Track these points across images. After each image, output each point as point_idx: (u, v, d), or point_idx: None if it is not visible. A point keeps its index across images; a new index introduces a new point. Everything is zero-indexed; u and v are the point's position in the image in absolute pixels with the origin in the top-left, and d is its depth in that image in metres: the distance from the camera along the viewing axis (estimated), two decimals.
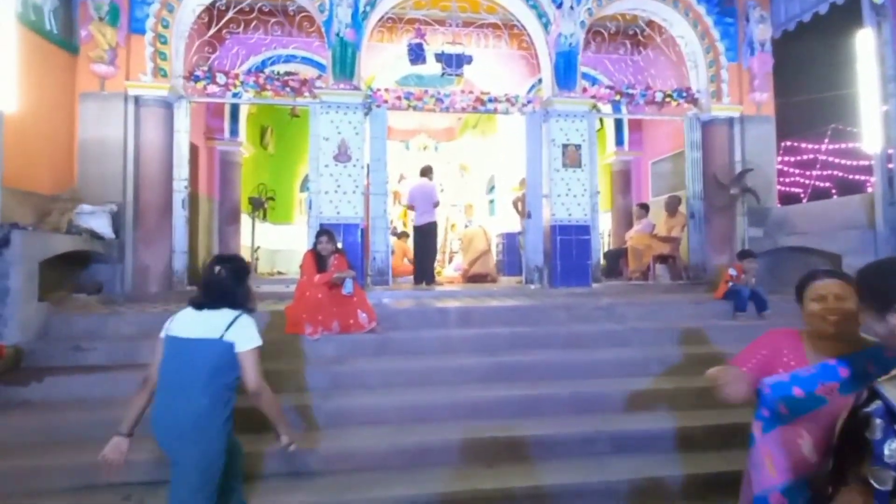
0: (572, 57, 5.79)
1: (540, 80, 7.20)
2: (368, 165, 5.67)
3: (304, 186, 10.47)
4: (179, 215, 5.43)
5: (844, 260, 4.65)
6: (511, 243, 8.20)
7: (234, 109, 7.62)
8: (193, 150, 7.08)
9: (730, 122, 6.13)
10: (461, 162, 11.88)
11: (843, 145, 6.14)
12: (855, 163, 5.94)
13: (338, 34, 5.35)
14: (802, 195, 6.41)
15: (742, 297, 4.60)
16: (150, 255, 5.18)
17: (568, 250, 5.68)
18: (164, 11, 5.24)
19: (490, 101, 5.82)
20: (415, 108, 5.74)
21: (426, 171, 6.62)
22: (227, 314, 1.99)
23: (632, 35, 6.47)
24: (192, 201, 7.06)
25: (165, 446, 1.93)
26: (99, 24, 5.04)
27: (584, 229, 5.74)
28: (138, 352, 3.49)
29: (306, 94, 5.54)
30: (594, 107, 6.23)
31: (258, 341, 2.00)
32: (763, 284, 4.73)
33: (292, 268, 9.62)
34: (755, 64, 6.05)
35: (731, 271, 4.72)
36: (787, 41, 6.09)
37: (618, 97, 6.04)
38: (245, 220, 8.04)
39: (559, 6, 5.76)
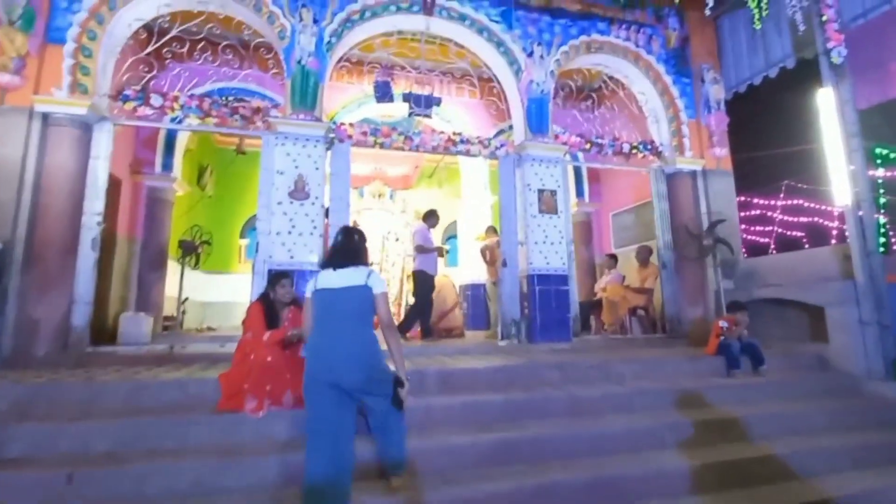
0: (544, 104, 5.68)
1: (503, 130, 7.13)
2: (328, 208, 5.02)
3: (247, 232, 9.51)
4: (87, 256, 4.40)
5: (828, 311, 4.57)
6: (476, 295, 7.70)
7: (170, 140, 6.75)
8: (114, 182, 6.09)
9: (693, 174, 6.22)
10: (417, 210, 11.50)
11: (795, 201, 6.39)
12: (808, 218, 6.15)
13: (299, 62, 4.86)
14: (765, 248, 6.54)
15: (733, 352, 4.33)
16: (42, 306, 4.08)
17: (547, 302, 5.24)
18: (92, 22, 4.51)
19: (462, 142, 5.50)
20: (382, 146, 5.27)
21: (426, 216, 6.20)
22: (362, 269, 2.55)
23: (596, 89, 6.58)
24: (107, 242, 6.00)
25: (340, 376, 2.36)
26: (8, 28, 4.21)
27: (562, 279, 5.37)
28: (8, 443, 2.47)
29: (259, 123, 4.91)
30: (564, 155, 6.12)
31: (386, 287, 2.63)
32: (754, 338, 4.50)
33: (227, 322, 8.43)
34: (713, 121, 6.28)
35: (722, 324, 4.47)
36: (741, 100, 6.41)
37: (588, 146, 5.97)
38: (173, 267, 6.93)
39: (530, 55, 5.71)
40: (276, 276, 3.37)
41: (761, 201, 6.74)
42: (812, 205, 6.14)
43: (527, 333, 5.27)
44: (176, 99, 4.71)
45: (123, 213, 6.31)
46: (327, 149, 5.08)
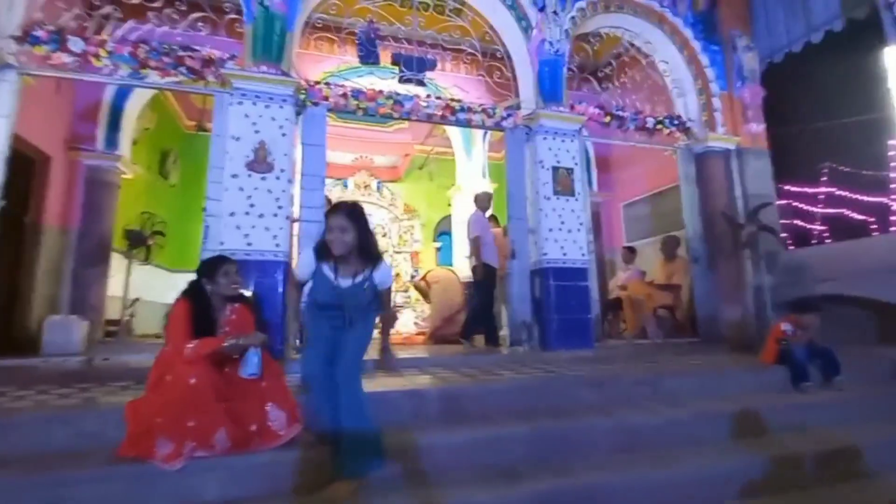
0: (558, 67, 4.81)
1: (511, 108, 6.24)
2: (300, 183, 4.06)
3: None
4: None
5: None
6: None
7: (115, 112, 5.71)
8: (42, 159, 5.07)
9: (726, 154, 5.42)
10: (406, 204, 10.56)
11: (841, 183, 5.63)
12: (869, 197, 5.38)
13: (262, 3, 3.90)
14: (808, 237, 5.76)
15: (800, 362, 3.49)
16: None
17: (564, 300, 4.35)
18: None
19: (462, 110, 4.59)
20: (365, 112, 4.33)
21: (478, 199, 5.19)
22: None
23: (615, 56, 5.75)
24: (32, 230, 4.96)
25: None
26: None
27: (581, 273, 4.49)
28: None
29: (210, 78, 3.93)
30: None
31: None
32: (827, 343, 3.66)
33: None
34: (746, 94, 5.49)
35: (786, 327, 3.62)
36: (775, 71, 5.63)
37: (607, 119, 5.10)
38: (120, 262, 5.88)
39: (542, 9, 4.84)
40: (215, 262, 2.40)
41: (801, 185, 5.97)
42: (863, 187, 5.37)
43: (540, 339, 4.38)
44: (102, 44, 3.70)
45: (54, 197, 5.25)
46: (298, 113, 4.13)
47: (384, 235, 10.11)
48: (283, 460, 2.06)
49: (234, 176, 3.68)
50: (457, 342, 5.52)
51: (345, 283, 2.14)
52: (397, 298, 9.40)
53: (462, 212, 7.44)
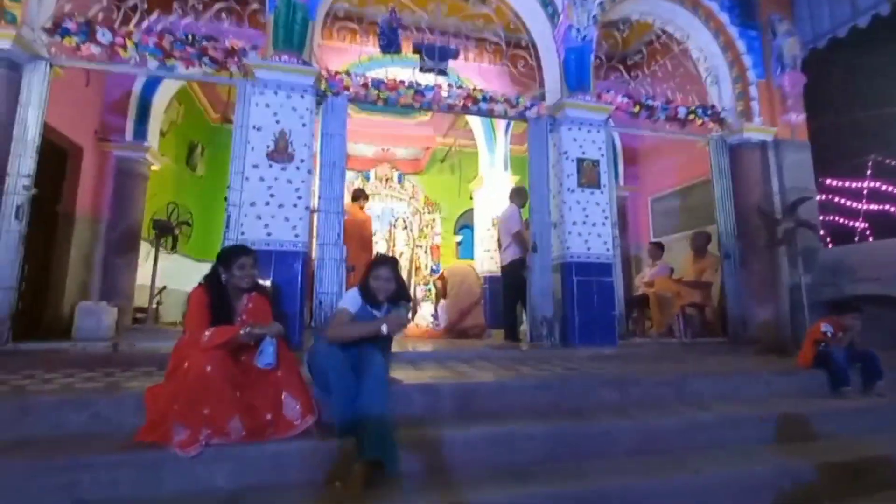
0: (585, 54, 4.64)
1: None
2: (319, 174, 4.05)
3: None
4: (9, 230, 3.47)
5: None
6: (494, 288, 6.69)
7: (144, 103, 5.83)
8: (74, 151, 5.22)
9: (762, 145, 5.15)
10: (428, 196, 10.51)
11: (884, 181, 5.28)
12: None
13: None
14: (848, 235, 5.44)
15: (840, 364, 3.29)
16: None
17: (588, 297, 4.23)
18: None
19: (484, 99, 4.49)
20: (386, 102, 4.28)
21: (514, 195, 5.15)
22: None
23: (647, 43, 5.52)
24: (65, 220, 5.12)
25: None
26: None
27: (606, 268, 4.35)
28: None
29: (233, 68, 3.95)
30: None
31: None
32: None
33: None
34: (786, 82, 5.19)
35: (826, 328, 3.42)
36: (818, 58, 5.31)
37: (636, 109, 4.91)
38: (147, 250, 6.03)
39: None
40: (232, 252, 2.40)
41: (843, 179, 5.64)
42: None
43: (561, 335, 4.27)
44: (129, 35, 3.76)
45: (86, 188, 5.41)
46: (318, 103, 4.11)
47: (405, 228, 10.12)
48: (292, 451, 2.04)
49: (255, 166, 3.69)
50: (475, 336, 5.47)
51: (378, 314, 2.47)
52: (417, 292, 9.41)
53: (484, 205, 7.35)
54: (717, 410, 2.75)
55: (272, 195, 3.67)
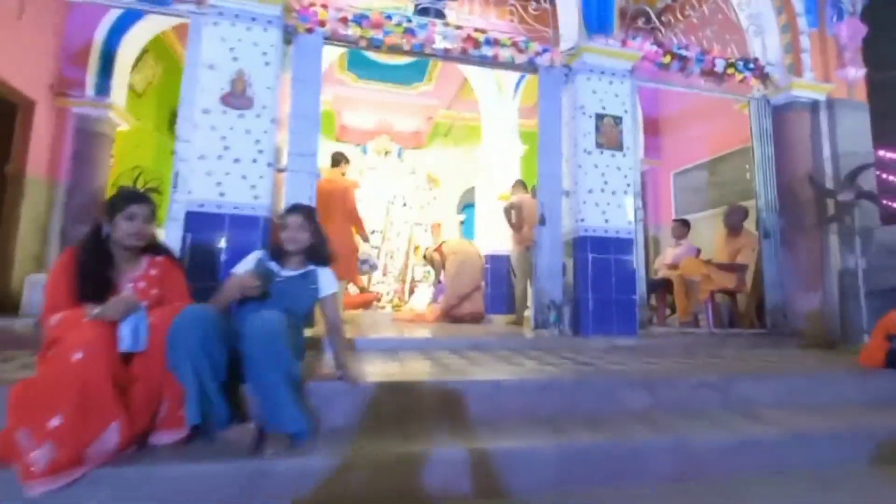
0: None
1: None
2: (288, 127, 3.40)
3: None
4: None
5: None
6: (497, 269, 6.06)
7: (106, 56, 5.20)
8: (23, 104, 4.62)
9: (813, 106, 4.40)
10: (429, 173, 9.84)
11: None
12: None
13: None
14: None
15: None
16: None
17: (605, 276, 3.58)
18: None
19: (487, 42, 3.78)
20: (370, 43, 3.59)
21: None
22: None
23: None
24: (13, 183, 4.55)
25: None
26: None
27: (626, 244, 3.69)
28: None
29: None
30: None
31: None
32: None
33: None
34: (843, 31, 4.42)
35: None
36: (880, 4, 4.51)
37: (667, 59, 4.17)
38: None
39: None
40: (120, 198, 1.80)
41: None
42: None
43: (572, 322, 3.64)
44: None
45: (40, 147, 4.82)
46: (287, 42, 3.44)
47: (404, 205, 9.48)
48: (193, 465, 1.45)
49: (206, 111, 3.05)
50: (473, 321, 4.88)
51: (288, 273, 2.06)
52: (416, 272, 8.81)
53: (487, 178, 6.67)
54: (777, 422, 2.11)
55: (226, 147, 3.04)
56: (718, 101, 5.02)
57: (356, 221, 4.57)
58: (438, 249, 5.45)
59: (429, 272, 8.29)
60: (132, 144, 6.00)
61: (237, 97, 3.09)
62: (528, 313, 4.32)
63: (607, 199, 3.68)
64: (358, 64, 8.23)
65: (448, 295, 5.16)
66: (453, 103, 9.16)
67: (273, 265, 2.04)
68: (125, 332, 1.53)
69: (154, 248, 1.86)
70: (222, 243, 2.94)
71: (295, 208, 2.12)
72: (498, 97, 6.62)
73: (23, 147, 4.64)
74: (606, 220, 3.66)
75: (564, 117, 3.93)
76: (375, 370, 2.24)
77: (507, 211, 5.17)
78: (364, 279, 7.72)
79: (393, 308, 6.91)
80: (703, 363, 2.78)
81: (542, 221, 3.75)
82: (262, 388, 1.62)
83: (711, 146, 5.84)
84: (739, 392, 2.36)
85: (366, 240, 5.26)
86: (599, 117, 3.75)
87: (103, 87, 5.21)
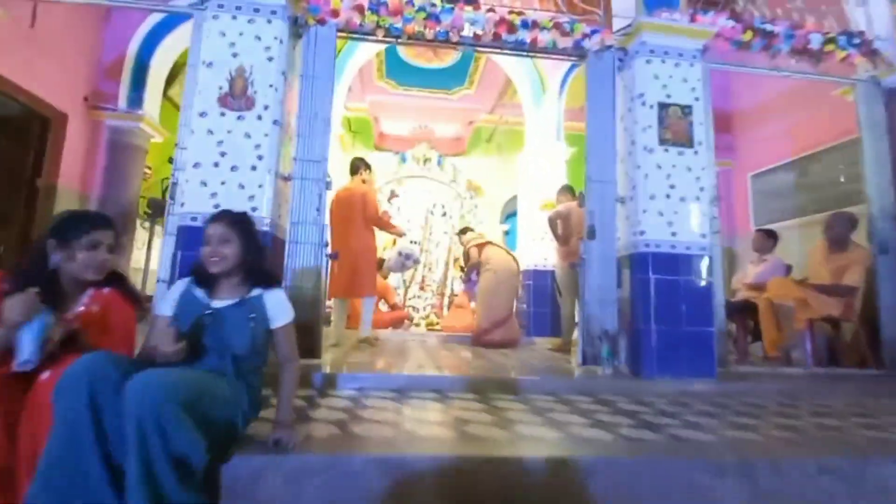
0: None
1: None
2: (296, 128, 3.03)
3: None
4: None
5: None
6: (540, 286, 5.42)
7: (139, 68, 5.17)
8: (57, 118, 4.62)
9: None
10: (470, 180, 9.34)
11: None
12: None
13: None
14: None
15: None
16: None
17: (672, 303, 2.89)
18: None
19: (524, 26, 3.24)
20: (387, 32, 3.16)
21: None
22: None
23: None
24: (44, 196, 4.54)
25: None
26: None
27: (700, 263, 2.98)
28: None
29: None
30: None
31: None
32: None
33: None
34: None
35: None
36: None
37: (748, 36, 3.43)
38: (142, 232, 5.41)
39: None
40: (78, 220, 1.49)
41: None
42: None
43: (630, 357, 2.97)
44: None
45: (73, 159, 4.81)
46: (297, 34, 3.09)
47: (443, 215, 9.03)
48: None
49: (203, 114, 2.73)
50: (503, 346, 4.34)
51: (220, 303, 1.53)
52: (455, 285, 8.30)
53: (530, 185, 6.06)
54: None
55: (223, 153, 2.70)
56: (810, 86, 4.18)
57: (382, 224, 4.18)
58: (481, 248, 4.95)
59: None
60: (167, 156, 5.98)
61: (237, 98, 2.75)
62: (576, 335, 3.69)
63: (674, 207, 3.00)
64: (397, 70, 7.95)
65: (480, 317, 4.62)
66: (496, 107, 8.67)
67: (199, 294, 1.54)
68: (25, 341, 1.17)
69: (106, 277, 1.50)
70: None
71: (217, 214, 1.59)
72: (541, 96, 6.02)
73: (54, 160, 4.64)
74: (674, 233, 2.97)
75: (619, 109, 3.29)
76: (365, 431, 1.74)
77: (553, 221, 4.56)
78: (399, 294, 7.33)
79: (427, 327, 6.43)
80: (816, 436, 2.04)
81: (592, 235, 3.11)
82: (131, 485, 1.10)
83: (800, 142, 4.92)
84: (878, 480, 1.64)
85: (401, 235, 4.86)
86: (663, 107, 3.09)
87: (135, 98, 5.17)
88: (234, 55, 2.80)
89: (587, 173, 3.22)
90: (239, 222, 1.56)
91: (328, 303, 4.09)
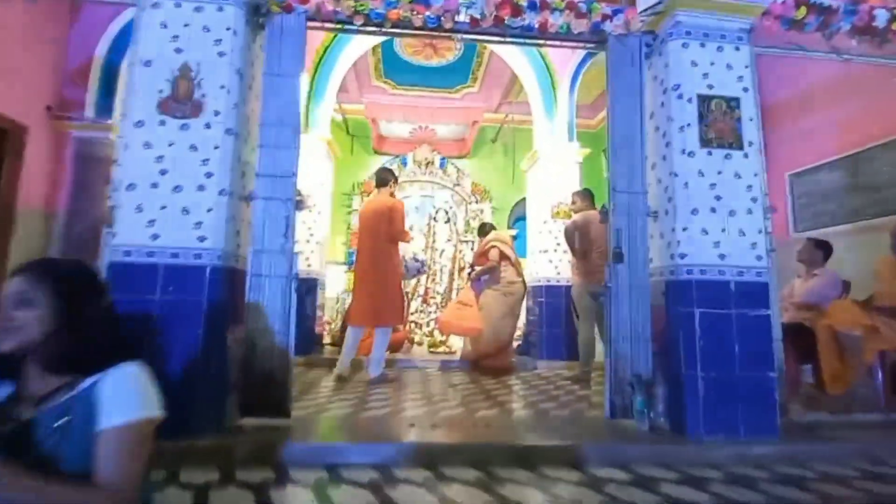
0: None
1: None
2: (257, 138, 2.52)
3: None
4: None
5: None
6: (553, 304, 4.86)
7: (108, 73, 4.72)
8: (15, 130, 4.18)
9: None
10: (475, 183, 8.79)
11: None
12: None
13: None
14: None
15: None
16: None
17: (722, 342, 2.33)
18: None
19: (531, 7, 2.69)
20: (367, 19, 2.64)
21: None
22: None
23: None
24: (2, 216, 4.10)
25: None
26: None
27: (757, 292, 2.41)
28: None
29: None
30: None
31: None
32: None
33: None
34: None
35: None
36: None
37: (800, 13, 2.85)
38: None
39: None
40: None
41: None
42: None
43: (669, 410, 2.41)
44: None
45: (35, 175, 4.36)
46: (259, 25, 2.58)
47: (447, 221, 8.50)
48: None
49: (139, 124, 2.23)
50: (502, 371, 3.83)
51: (27, 410, 0.93)
52: (461, 295, 7.75)
53: (539, 189, 5.51)
54: None
55: (163, 171, 2.19)
56: (864, 73, 3.57)
57: (405, 240, 3.72)
58: (503, 256, 4.46)
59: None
60: None
61: (180, 102, 2.25)
62: (600, 363, 3.14)
63: (721, 223, 2.43)
64: (395, 69, 7.46)
65: (485, 339, 4.10)
66: (502, 105, 8.14)
67: (2, 391, 0.96)
68: None
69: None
70: (155, 307, 2.08)
71: (23, 265, 1.00)
72: (551, 92, 5.46)
73: (11, 176, 4.19)
74: (722, 255, 2.41)
75: (648, 105, 2.73)
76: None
77: (570, 233, 4.01)
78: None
79: (430, 348, 5.88)
80: None
81: (619, 258, 2.56)
82: None
83: (851, 137, 4.30)
84: None
85: (407, 242, 4.39)
86: (704, 101, 2.52)
87: (105, 107, 4.72)
88: (178, 51, 2.29)
89: (611, 183, 2.67)
90: (53, 277, 0.97)
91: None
